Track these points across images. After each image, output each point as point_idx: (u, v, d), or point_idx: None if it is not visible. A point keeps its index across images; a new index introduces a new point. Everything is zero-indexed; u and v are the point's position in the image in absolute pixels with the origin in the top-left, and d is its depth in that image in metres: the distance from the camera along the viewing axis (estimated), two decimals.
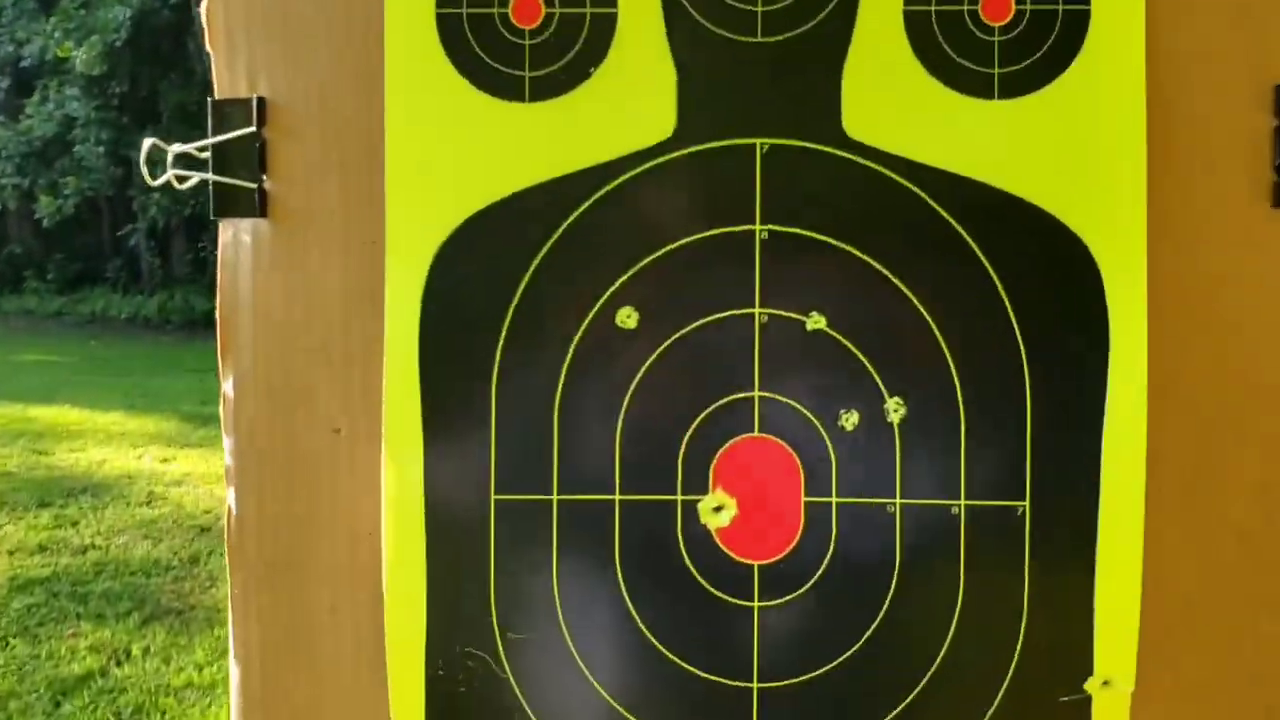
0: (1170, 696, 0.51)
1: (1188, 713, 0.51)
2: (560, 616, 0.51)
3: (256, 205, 0.52)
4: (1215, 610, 0.51)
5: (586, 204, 0.50)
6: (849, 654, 0.51)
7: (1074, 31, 0.49)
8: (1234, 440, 0.51)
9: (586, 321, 0.50)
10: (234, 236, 0.52)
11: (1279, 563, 0.51)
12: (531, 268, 0.50)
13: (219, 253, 0.52)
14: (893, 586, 0.50)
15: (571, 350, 0.50)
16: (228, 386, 0.52)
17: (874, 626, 0.50)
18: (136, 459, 4.27)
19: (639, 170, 0.50)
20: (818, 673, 0.51)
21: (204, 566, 3.02)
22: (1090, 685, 0.50)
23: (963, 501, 0.50)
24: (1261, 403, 0.51)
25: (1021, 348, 0.50)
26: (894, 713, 0.51)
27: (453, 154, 0.50)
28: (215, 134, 0.52)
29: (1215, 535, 0.51)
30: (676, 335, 0.50)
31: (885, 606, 0.50)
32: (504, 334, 0.50)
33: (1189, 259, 0.50)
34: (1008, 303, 0.50)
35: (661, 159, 0.50)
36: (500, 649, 0.51)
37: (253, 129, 0.51)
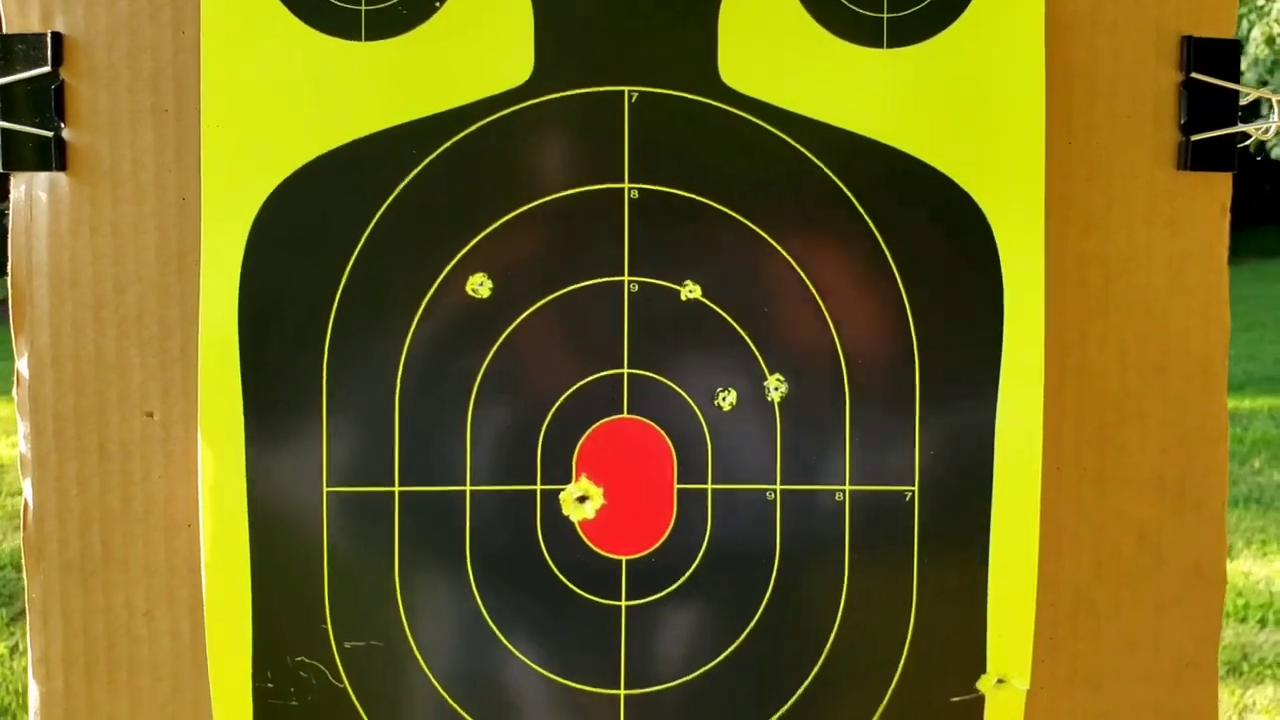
0: (1062, 693, 0.47)
1: (1079, 709, 0.48)
2: (404, 622, 0.46)
3: (53, 157, 0.45)
4: (1112, 607, 0.48)
5: (431, 157, 0.44)
6: (724, 656, 0.46)
7: None
8: (1135, 429, 0.47)
9: (432, 290, 0.45)
10: (27, 193, 0.46)
11: (1178, 561, 0.48)
12: (368, 229, 0.44)
13: (9, 212, 0.46)
14: (772, 580, 0.46)
15: (415, 323, 0.45)
16: (22, 365, 0.46)
17: (751, 625, 0.46)
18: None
19: (491, 119, 0.44)
20: (690, 677, 0.46)
21: None
22: (983, 684, 0.46)
23: (847, 486, 0.46)
24: (1165, 390, 0.47)
25: (911, 321, 0.46)
26: (771, 719, 0.46)
27: (278, 99, 0.44)
28: (2, 75, 0.45)
29: (1113, 530, 0.48)
30: (535, 306, 0.45)
31: (764, 602, 0.46)
32: (336, 304, 0.44)
33: (1089, 227, 0.47)
34: (897, 272, 0.45)
35: (516, 106, 0.45)
36: (336, 658, 0.46)
37: (47, 69, 0.45)
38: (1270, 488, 3.98)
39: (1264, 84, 5.24)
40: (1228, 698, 2.43)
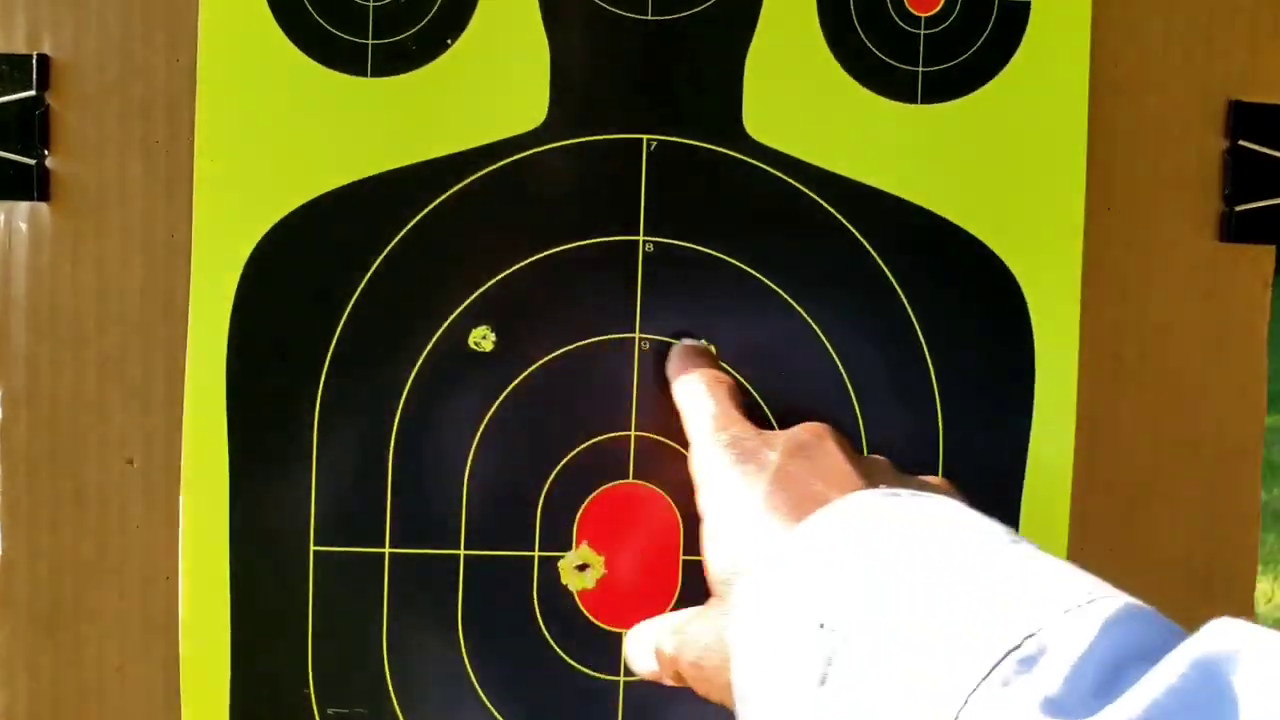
0: None
1: None
2: (391, 691, 0.43)
3: (35, 186, 0.42)
4: None
5: (436, 201, 0.42)
6: None
7: (1010, 28, 0.43)
8: (1164, 510, 0.45)
9: (432, 342, 0.42)
10: (7, 223, 0.43)
11: None
12: (367, 275, 0.42)
13: None
14: None
15: (413, 376, 0.42)
16: None
17: None
18: None
19: (501, 164, 0.42)
20: None
21: None
22: None
23: None
24: (1196, 470, 0.45)
25: (936, 391, 0.43)
26: None
27: (277, 134, 0.42)
28: None
29: None
30: (540, 362, 0.43)
31: None
32: (331, 353, 0.42)
33: (1125, 296, 0.44)
34: (923, 340, 0.43)
35: (529, 151, 0.42)
36: None
37: (32, 92, 0.42)
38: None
39: None
40: None
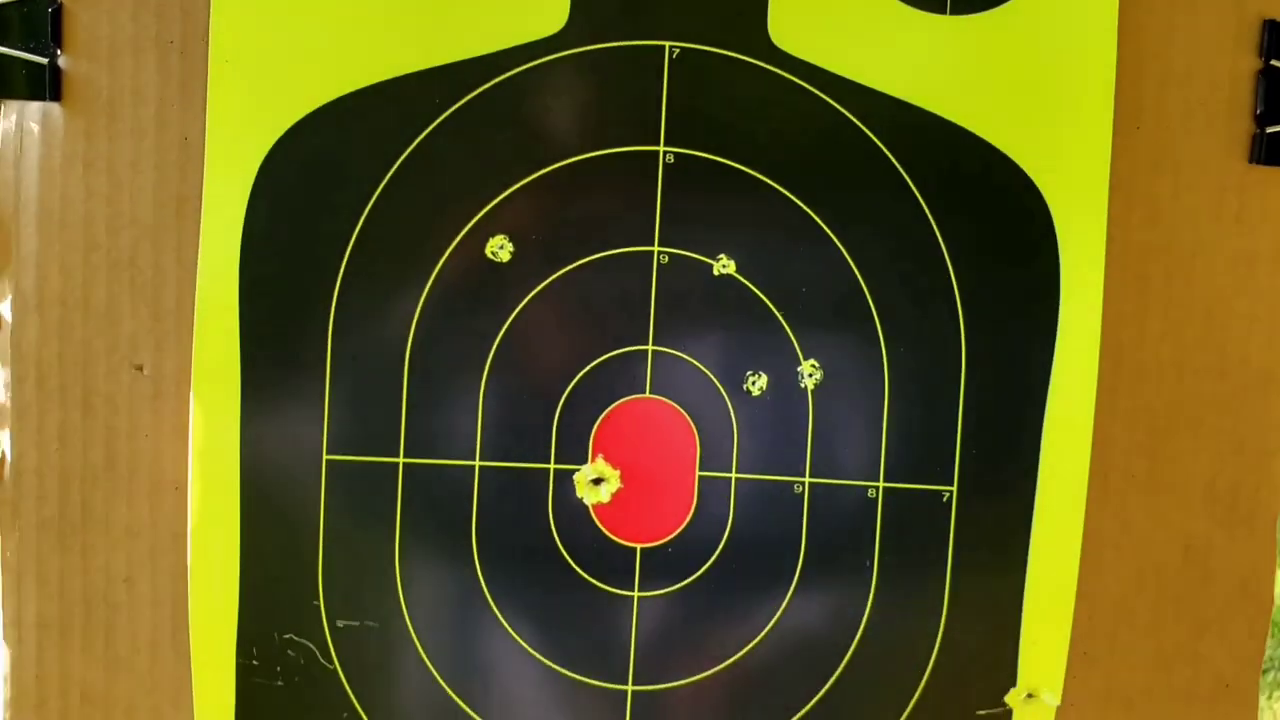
0: (1094, 711, 0.45)
1: None
2: (403, 603, 0.43)
3: (48, 86, 0.42)
4: (1152, 623, 0.45)
5: (454, 107, 0.41)
6: (739, 656, 0.43)
7: None
8: (1189, 437, 0.45)
9: (449, 251, 0.42)
10: (18, 123, 0.42)
11: (1224, 577, 0.45)
12: (383, 181, 0.41)
13: None
14: (795, 579, 0.43)
15: (429, 284, 0.42)
16: (4, 308, 0.43)
17: (770, 624, 0.43)
18: None
19: (519, 69, 0.41)
20: (702, 676, 0.43)
21: None
22: (1012, 697, 0.44)
23: (881, 483, 0.43)
24: (1222, 396, 0.45)
25: (960, 310, 0.43)
26: None
27: (292, 36, 0.41)
28: None
29: (1159, 542, 0.45)
30: (558, 273, 0.42)
31: (785, 602, 0.43)
32: (346, 260, 0.41)
33: (1153, 219, 0.44)
34: (947, 256, 0.42)
35: (548, 57, 0.41)
36: (328, 637, 0.43)
37: None
38: None
39: None
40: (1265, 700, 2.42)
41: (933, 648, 0.43)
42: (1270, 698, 2.42)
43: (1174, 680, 0.45)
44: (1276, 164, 0.44)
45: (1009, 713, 0.44)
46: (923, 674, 0.44)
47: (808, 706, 0.44)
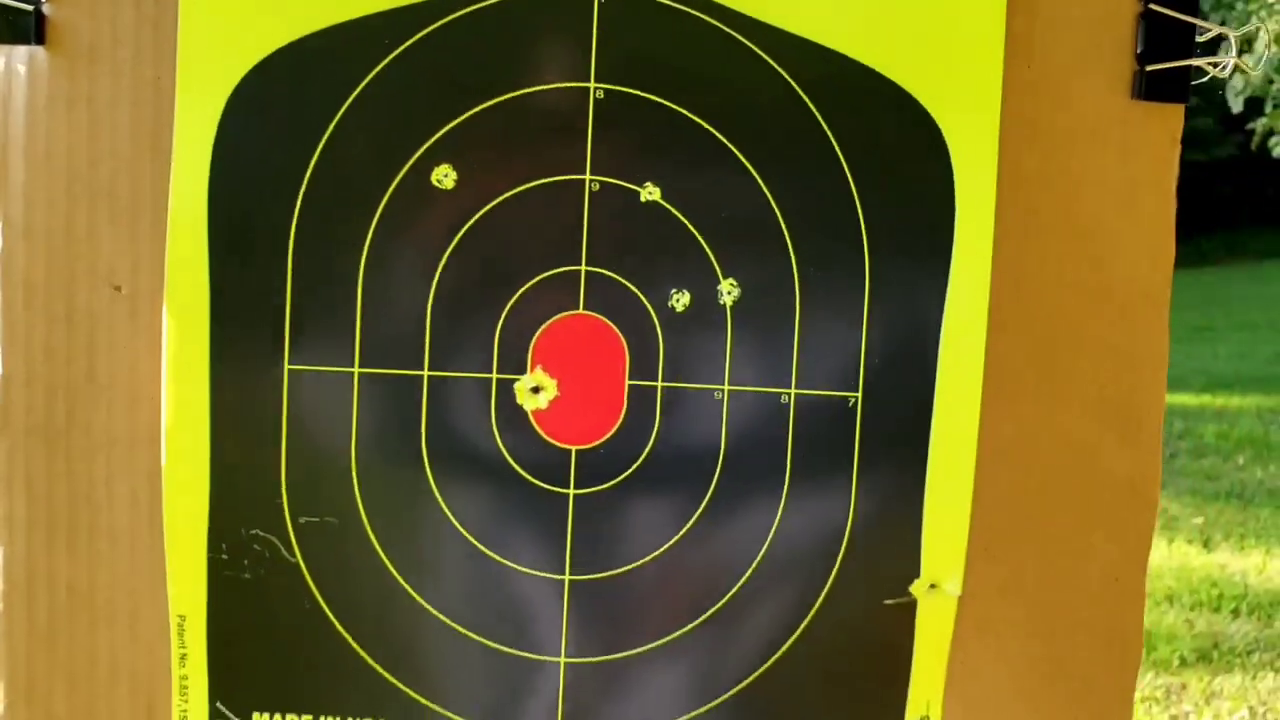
0: (993, 601, 0.49)
1: (1009, 617, 0.49)
2: (359, 501, 0.47)
3: (33, 30, 0.46)
4: (1046, 520, 0.49)
5: (403, 46, 0.45)
6: (666, 547, 0.48)
7: None
8: (1074, 348, 0.49)
9: (397, 179, 0.46)
10: (6, 65, 0.47)
11: (1113, 479, 0.49)
12: (337, 115, 0.46)
13: None
14: (716, 477, 0.47)
15: (380, 210, 0.46)
16: None
17: (694, 518, 0.47)
18: None
19: (463, 11, 0.45)
20: (633, 566, 0.48)
21: None
22: (916, 588, 0.48)
23: (793, 390, 0.47)
24: (1105, 311, 0.49)
25: (864, 232, 0.47)
26: (711, 611, 0.48)
27: None
28: None
29: (1051, 446, 0.49)
30: (498, 199, 0.46)
31: (706, 498, 0.47)
32: (304, 188, 0.46)
33: (1042, 150, 0.48)
34: (852, 182, 0.47)
35: (489, 2, 0.46)
36: (290, 532, 0.47)
37: None
38: (1252, 484, 4.02)
39: (1271, 82, 5.24)
40: (1196, 683, 2.46)
41: (841, 543, 0.48)
42: (1254, 677, 2.45)
43: (1066, 574, 0.49)
44: (1156, 99, 0.48)
45: (914, 603, 0.48)
46: (832, 567, 0.48)
47: (729, 595, 0.48)
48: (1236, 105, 5.12)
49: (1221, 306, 8.99)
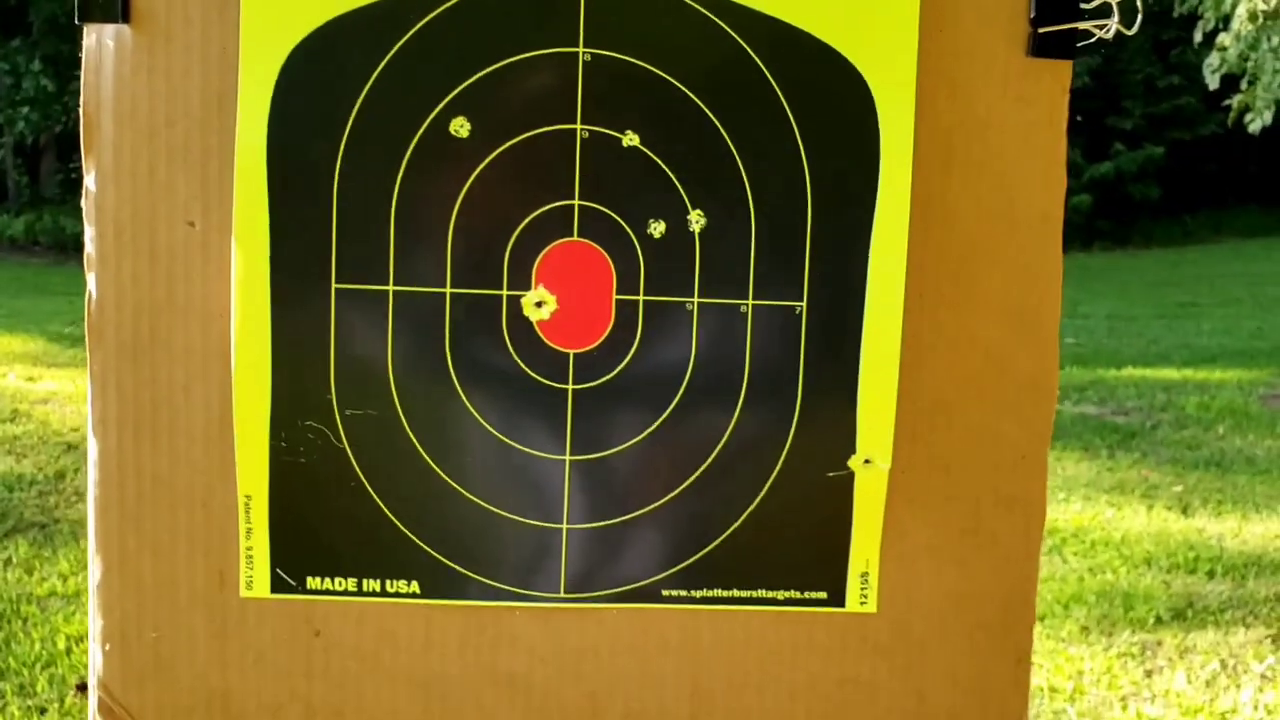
0: (920, 475, 0.59)
1: (933, 488, 0.59)
2: (395, 395, 0.57)
3: (119, 11, 0.56)
4: (962, 409, 0.59)
5: (425, 19, 0.55)
6: (647, 433, 0.58)
7: None
8: (985, 265, 0.59)
9: (422, 129, 0.56)
10: (98, 41, 0.56)
11: (1017, 373, 0.59)
12: (372, 77, 0.55)
13: (83, 55, 0.56)
14: (688, 374, 0.57)
15: (408, 155, 0.56)
16: (90, 180, 0.57)
17: (671, 408, 0.58)
18: (0, 377, 4.18)
19: None
20: (622, 447, 0.58)
21: (70, 482, 2.97)
22: (853, 463, 0.58)
23: (750, 301, 0.57)
24: (1011, 234, 0.59)
25: (806, 170, 0.57)
26: (686, 483, 0.58)
27: None
28: None
29: (965, 347, 0.59)
30: (505, 145, 0.56)
31: (681, 391, 0.58)
32: (345, 137, 0.56)
33: (954, 98, 0.58)
34: (796, 129, 0.57)
35: None
36: (339, 423, 0.57)
37: None
38: (1231, 453, 4.12)
39: (1246, 60, 5.36)
40: (1171, 639, 2.57)
41: (791, 425, 0.58)
42: (1227, 634, 2.54)
43: (981, 452, 0.60)
44: (1048, 56, 0.58)
45: (852, 475, 0.58)
46: (784, 446, 0.58)
47: (700, 469, 0.58)
48: (1213, 82, 5.22)
49: (1206, 283, 9.11)
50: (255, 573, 0.58)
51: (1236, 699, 2.31)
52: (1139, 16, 0.58)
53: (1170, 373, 5.58)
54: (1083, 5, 0.58)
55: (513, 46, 0.56)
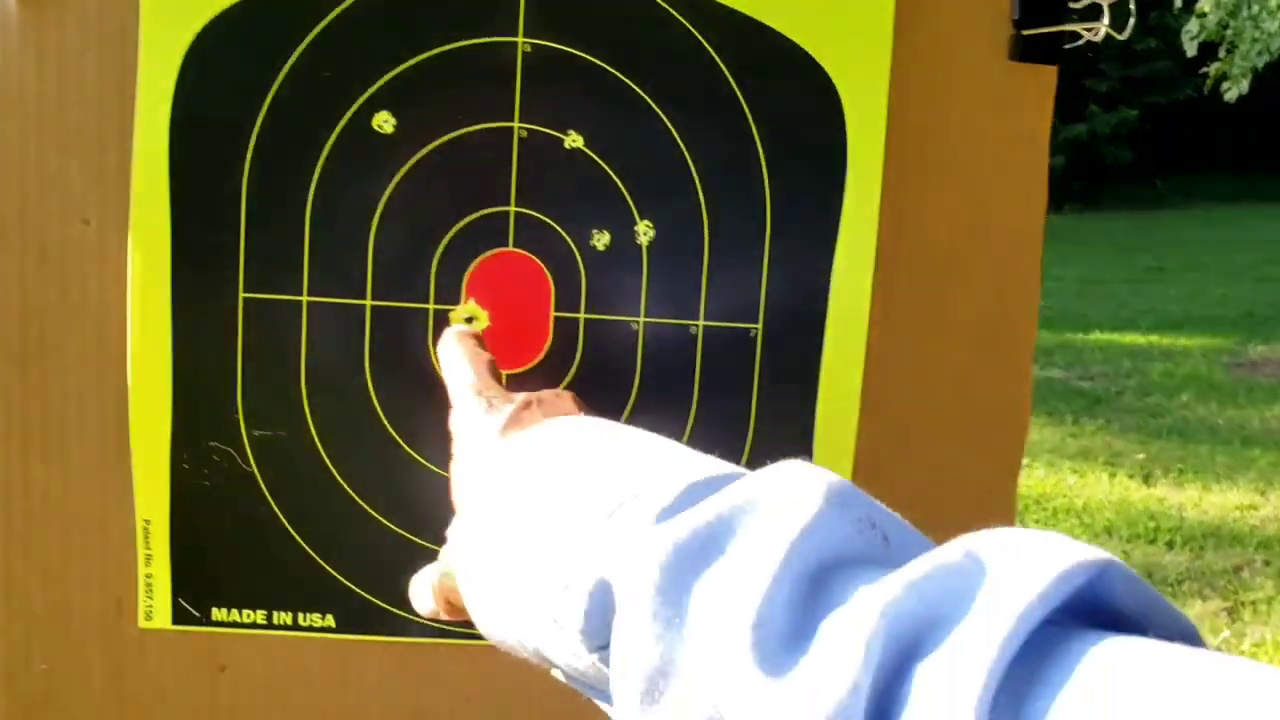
0: None
1: None
2: (308, 416, 0.52)
3: None
4: (927, 439, 0.55)
5: (347, 3, 0.50)
6: None
7: None
8: (958, 286, 0.54)
9: (342, 123, 0.50)
10: None
11: (986, 403, 0.55)
12: (288, 64, 0.50)
13: None
14: (631, 400, 0.53)
15: (326, 151, 0.50)
16: None
17: None
18: None
19: None
20: None
21: None
22: None
23: (701, 322, 0.52)
24: (986, 254, 0.54)
25: (765, 179, 0.52)
26: None
27: None
28: None
29: (932, 373, 0.55)
30: (434, 144, 0.51)
31: (624, 418, 0.53)
32: (257, 130, 0.50)
33: (930, 106, 0.53)
34: (756, 134, 0.52)
35: None
36: (246, 445, 0.52)
37: None
38: (1194, 422, 4.14)
39: (1225, 27, 5.31)
40: None
41: (741, 458, 0.53)
42: (1184, 605, 2.56)
43: (946, 486, 0.55)
44: (1031, 61, 0.53)
45: None
46: None
47: None
48: (1191, 49, 5.18)
49: (1174, 249, 9.13)
50: (155, 602, 0.53)
51: None
52: (1131, 20, 0.53)
53: (1137, 338, 5.60)
54: (1070, 5, 0.53)
55: (444, 34, 0.50)
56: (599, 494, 0.33)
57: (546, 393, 0.42)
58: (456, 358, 0.46)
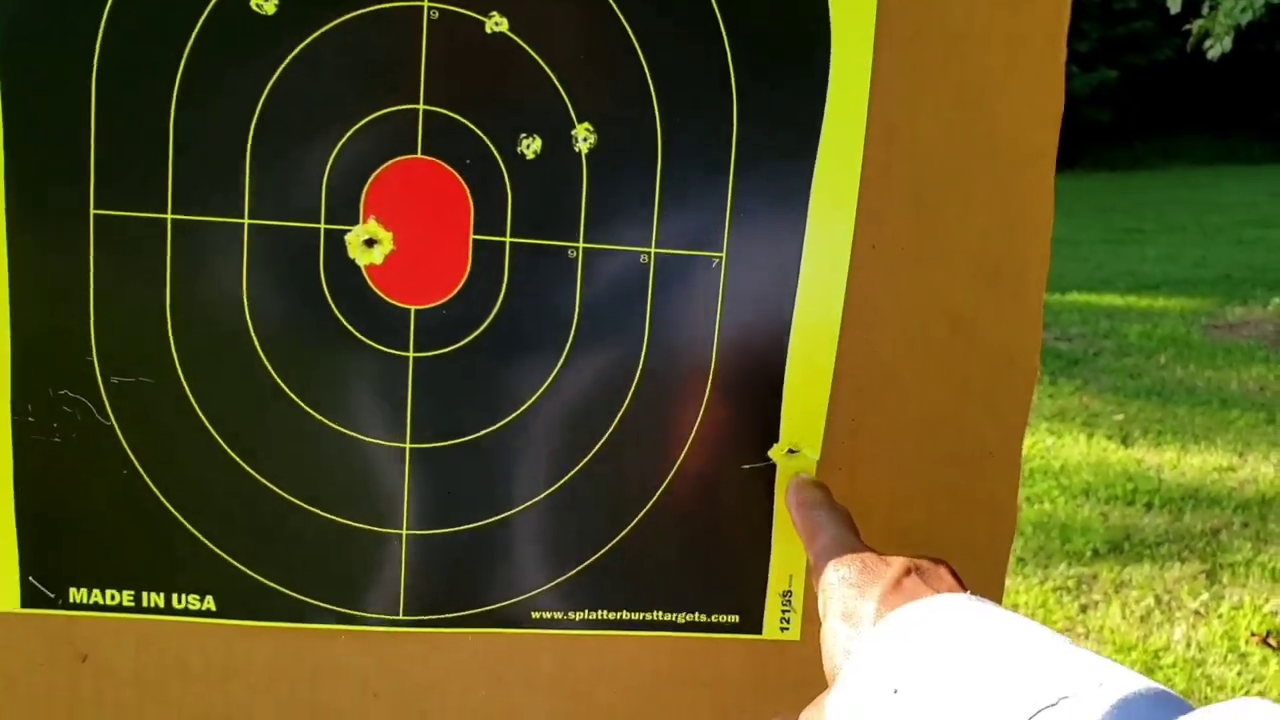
0: (861, 472, 0.47)
1: (877, 489, 0.47)
2: (176, 359, 0.43)
3: None
4: (918, 388, 0.47)
5: None
6: (514, 416, 0.44)
7: None
8: (958, 211, 0.46)
9: (212, 2, 0.41)
10: None
11: (989, 347, 0.47)
12: None
13: None
14: (570, 340, 0.44)
15: (193, 37, 0.41)
16: None
17: (545, 385, 0.44)
18: None
19: None
20: (478, 435, 0.44)
21: None
22: (775, 452, 0.45)
23: (653, 249, 0.44)
24: (993, 173, 0.46)
25: (733, 78, 0.43)
26: (564, 479, 0.45)
27: None
28: None
29: (926, 311, 0.46)
30: (325, 27, 0.42)
31: (560, 363, 0.44)
32: (108, 9, 0.41)
33: (923, 4, 0.44)
34: (722, 24, 0.43)
35: None
36: (103, 393, 0.43)
37: None
38: (1172, 383, 4.10)
39: None
40: (1107, 573, 2.53)
41: (701, 406, 0.45)
42: (1162, 568, 2.51)
43: (939, 445, 0.47)
44: None
45: (772, 468, 0.45)
46: (689, 433, 0.45)
47: (582, 462, 0.45)
48: (1175, 6, 5.09)
49: (1153, 210, 9.09)
50: (1, 582, 0.44)
51: (1170, 636, 2.28)
52: None
53: (1114, 299, 5.56)
54: None
55: None
56: (1013, 690, 0.32)
57: (924, 561, 0.40)
58: (813, 510, 0.43)
